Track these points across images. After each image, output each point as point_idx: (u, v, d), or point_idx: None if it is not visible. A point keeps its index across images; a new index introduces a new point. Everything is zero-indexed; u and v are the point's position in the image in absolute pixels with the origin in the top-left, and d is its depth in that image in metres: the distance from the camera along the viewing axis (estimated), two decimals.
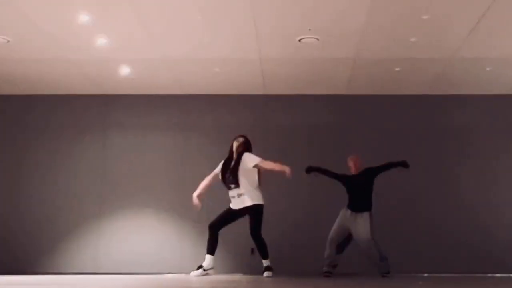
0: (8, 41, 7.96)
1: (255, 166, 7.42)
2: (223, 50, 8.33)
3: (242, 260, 9.38)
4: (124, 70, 9.07)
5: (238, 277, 7.63)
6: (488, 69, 8.91)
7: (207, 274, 7.31)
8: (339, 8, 7.07)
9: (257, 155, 7.74)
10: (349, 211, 7.87)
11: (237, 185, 7.38)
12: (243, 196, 7.37)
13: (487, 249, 9.29)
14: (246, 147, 7.65)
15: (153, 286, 4.63)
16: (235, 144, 7.63)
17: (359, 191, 7.97)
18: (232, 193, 7.45)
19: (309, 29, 7.63)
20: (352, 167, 8.20)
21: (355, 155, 8.29)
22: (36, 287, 4.36)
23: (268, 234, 7.76)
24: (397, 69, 8.94)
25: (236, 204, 7.44)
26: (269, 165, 7.45)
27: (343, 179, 8.12)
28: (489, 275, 8.68)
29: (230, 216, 7.52)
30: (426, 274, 8.70)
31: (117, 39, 8.00)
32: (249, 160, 7.43)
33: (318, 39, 7.92)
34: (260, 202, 7.44)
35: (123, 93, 10.02)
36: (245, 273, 9.11)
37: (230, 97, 9.99)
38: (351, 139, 9.83)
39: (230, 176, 7.44)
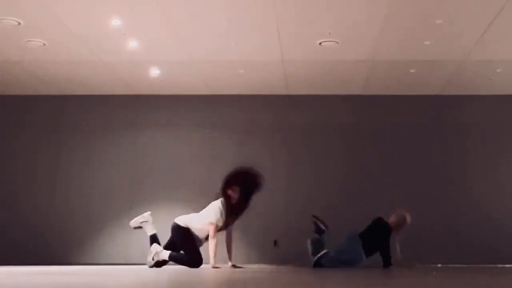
0: (44, 44, 8.22)
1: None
2: (248, 52, 8.51)
3: (265, 251, 9.62)
4: (154, 72, 9.29)
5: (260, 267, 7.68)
6: (498, 70, 9.05)
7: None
8: (357, 14, 7.28)
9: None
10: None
11: None
12: None
13: (496, 241, 9.48)
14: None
15: (180, 277, 4.80)
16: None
17: None
18: None
19: (329, 33, 7.81)
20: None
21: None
22: (68, 277, 4.49)
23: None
24: (412, 70, 9.09)
25: None
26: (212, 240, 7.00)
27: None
28: (499, 265, 8.73)
29: None
30: (439, 265, 8.74)
31: (147, 42, 8.22)
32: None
33: (337, 43, 8.10)
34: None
35: (152, 94, 10.22)
36: (268, 263, 9.31)
37: (253, 97, 10.17)
38: (368, 137, 10.07)
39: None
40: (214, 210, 7.04)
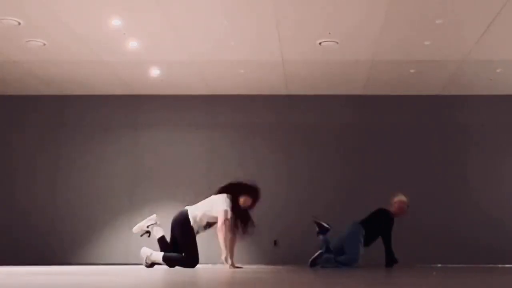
0: (44, 44, 8.22)
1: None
2: (248, 52, 8.52)
3: (265, 251, 9.65)
4: (154, 72, 9.31)
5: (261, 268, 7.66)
6: (498, 70, 9.07)
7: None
8: (357, 14, 7.30)
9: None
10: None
11: None
12: None
13: (496, 241, 9.50)
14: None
15: (180, 277, 4.83)
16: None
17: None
18: None
19: (329, 33, 7.81)
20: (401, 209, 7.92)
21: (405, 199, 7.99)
22: (68, 276, 4.52)
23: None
24: (412, 70, 9.11)
25: None
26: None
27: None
28: (499, 265, 8.79)
29: None
30: (439, 265, 8.82)
31: (147, 42, 8.23)
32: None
33: (337, 43, 8.11)
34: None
35: (152, 94, 10.22)
36: (268, 263, 9.35)
37: (253, 97, 10.19)
38: (368, 137, 10.09)
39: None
40: (222, 198, 6.92)
